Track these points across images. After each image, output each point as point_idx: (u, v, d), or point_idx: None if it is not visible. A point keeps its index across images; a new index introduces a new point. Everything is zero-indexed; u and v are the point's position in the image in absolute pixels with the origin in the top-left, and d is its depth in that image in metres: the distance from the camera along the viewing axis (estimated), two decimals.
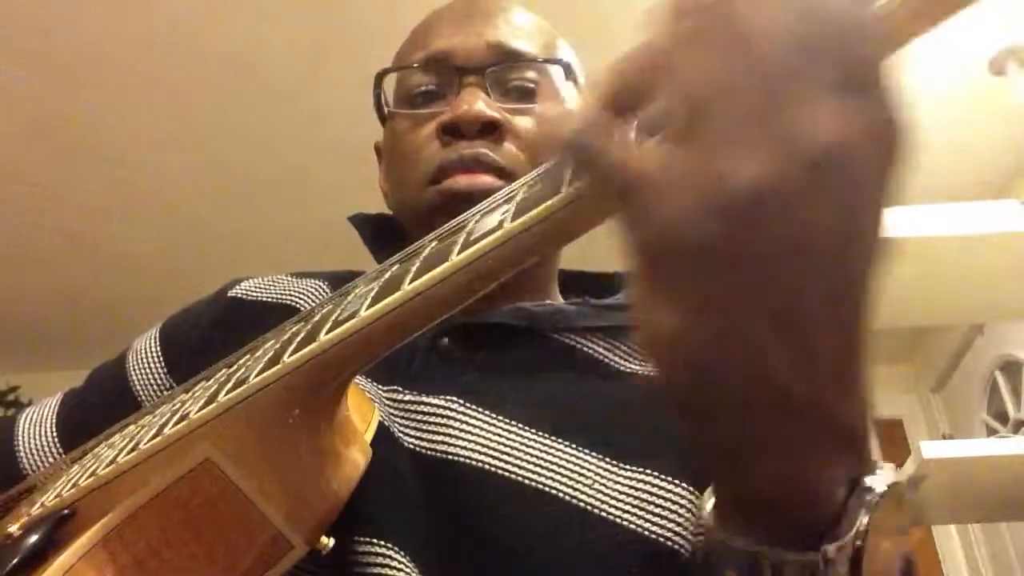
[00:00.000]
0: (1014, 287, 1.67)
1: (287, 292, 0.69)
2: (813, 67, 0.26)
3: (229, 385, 0.44)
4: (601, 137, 0.29)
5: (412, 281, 0.38)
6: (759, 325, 0.27)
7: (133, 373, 0.67)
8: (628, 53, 0.29)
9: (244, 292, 0.70)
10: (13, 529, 0.45)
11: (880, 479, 0.30)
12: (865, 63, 0.26)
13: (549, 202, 0.34)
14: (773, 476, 0.30)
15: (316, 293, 0.68)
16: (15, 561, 0.42)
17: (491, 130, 0.64)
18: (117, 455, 0.46)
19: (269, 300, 0.69)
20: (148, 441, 0.45)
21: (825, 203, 0.26)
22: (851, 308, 0.28)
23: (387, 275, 0.42)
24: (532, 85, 0.68)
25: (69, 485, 0.48)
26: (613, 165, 0.28)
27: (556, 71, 0.70)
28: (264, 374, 0.42)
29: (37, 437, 0.66)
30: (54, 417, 0.68)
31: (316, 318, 0.44)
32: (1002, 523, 2.74)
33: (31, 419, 0.68)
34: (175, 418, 0.45)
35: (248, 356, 0.49)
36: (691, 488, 0.54)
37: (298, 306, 0.67)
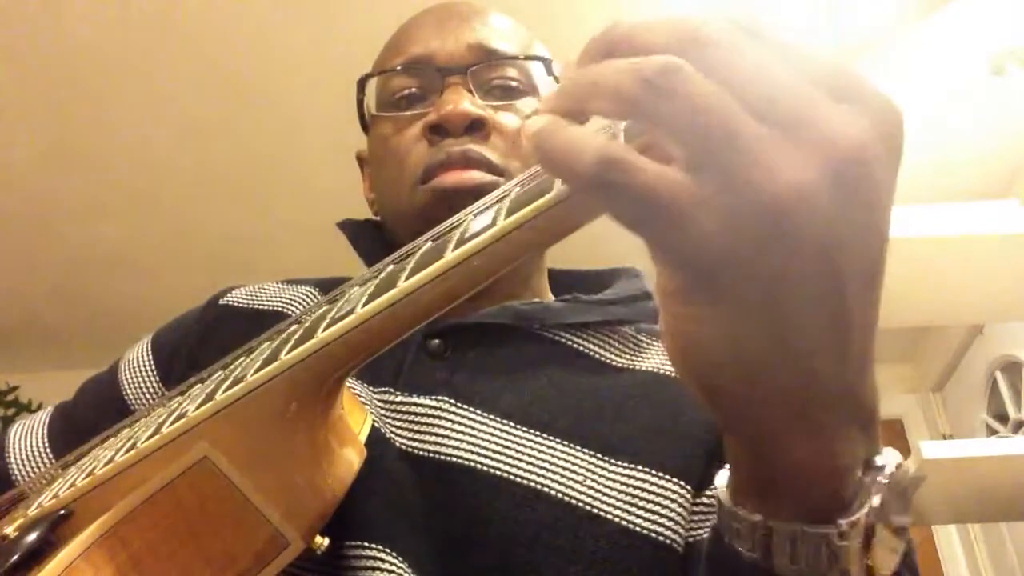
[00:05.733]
0: (1014, 287, 1.67)
1: (278, 299, 0.69)
2: (812, 87, 0.27)
3: (227, 383, 0.44)
4: (627, 158, 0.28)
5: (408, 278, 0.38)
6: (810, 325, 0.29)
7: (125, 383, 0.67)
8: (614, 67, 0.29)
9: (235, 300, 0.71)
10: (9, 531, 0.45)
11: (887, 459, 0.33)
12: (846, 76, 0.28)
13: (541, 200, 0.35)
14: (803, 459, 0.32)
15: (307, 299, 0.68)
16: (13, 560, 0.42)
17: (477, 128, 0.65)
18: (115, 455, 0.46)
19: (260, 307, 0.69)
20: (146, 440, 0.45)
21: (855, 201, 0.27)
22: (875, 295, 0.30)
23: (383, 274, 0.42)
24: (514, 82, 0.69)
25: (67, 486, 0.47)
26: (645, 186, 0.27)
27: (536, 67, 0.71)
28: (261, 371, 0.42)
29: (28, 447, 0.65)
30: (45, 428, 0.67)
31: (313, 317, 0.44)
32: (1002, 523, 2.74)
33: (22, 430, 0.68)
34: (173, 416, 0.45)
35: (244, 357, 0.49)
36: (682, 482, 0.54)
37: (289, 312, 0.67)
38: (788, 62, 0.28)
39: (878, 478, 0.32)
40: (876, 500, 0.31)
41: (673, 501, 0.53)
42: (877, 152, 0.27)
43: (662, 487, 0.54)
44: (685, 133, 0.27)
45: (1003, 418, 2.78)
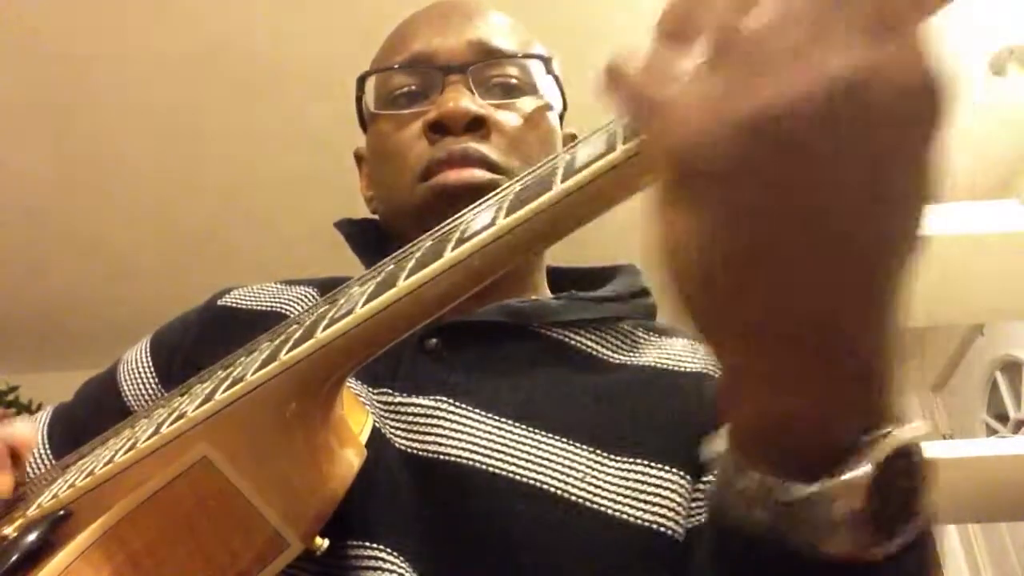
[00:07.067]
0: (1014, 287, 1.67)
1: (277, 299, 0.69)
2: (846, 7, 0.26)
3: (226, 384, 0.44)
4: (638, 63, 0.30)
5: (407, 278, 0.38)
6: (783, 239, 0.28)
7: (125, 384, 0.67)
8: None
9: (234, 300, 0.71)
10: (9, 531, 0.45)
11: (903, 432, 0.30)
12: (899, 9, 0.27)
13: (541, 199, 0.35)
14: (779, 404, 0.31)
15: (306, 300, 0.68)
16: (12, 561, 0.42)
17: (477, 126, 0.65)
18: (114, 455, 0.46)
19: (259, 308, 0.69)
20: (146, 440, 0.45)
21: (843, 130, 0.26)
22: (875, 243, 0.28)
23: (383, 274, 0.42)
24: (514, 81, 0.69)
25: (66, 486, 0.47)
26: (643, 82, 0.29)
27: (536, 66, 0.71)
28: (261, 372, 0.42)
29: None
30: (45, 428, 0.67)
31: (312, 318, 0.44)
32: (1002, 523, 2.74)
33: None
34: (172, 416, 0.45)
35: (244, 357, 0.49)
36: (681, 471, 0.54)
37: (288, 313, 0.67)
38: None
39: (879, 443, 0.30)
40: (867, 467, 0.30)
41: (673, 491, 0.53)
42: (881, 89, 0.26)
43: (661, 478, 0.54)
44: (707, 38, 0.28)
45: (1003, 418, 2.78)
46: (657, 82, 0.29)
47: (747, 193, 0.27)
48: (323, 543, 0.45)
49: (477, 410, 0.56)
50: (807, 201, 0.27)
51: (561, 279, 0.73)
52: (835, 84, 0.26)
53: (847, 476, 0.30)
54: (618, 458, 0.54)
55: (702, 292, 0.30)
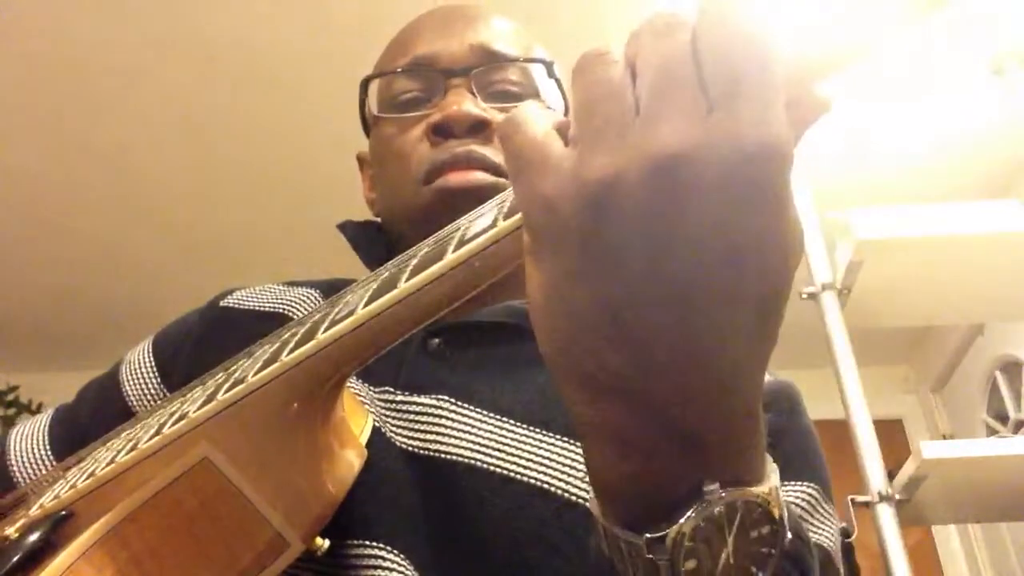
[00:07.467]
0: (1014, 287, 1.67)
1: (279, 300, 0.69)
2: (680, 86, 0.28)
3: (227, 385, 0.44)
4: (518, 120, 0.32)
5: (409, 279, 0.38)
6: (595, 307, 0.30)
7: (126, 384, 0.67)
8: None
9: (236, 301, 0.71)
10: (10, 531, 0.45)
11: (738, 491, 0.31)
12: (736, 81, 0.28)
13: None
14: (608, 460, 0.32)
15: (308, 301, 0.68)
16: (14, 561, 0.42)
17: (480, 129, 0.66)
18: (116, 456, 0.46)
19: (261, 309, 0.69)
20: (147, 441, 0.45)
21: (674, 200, 0.27)
22: (694, 316, 0.29)
23: (383, 276, 0.42)
24: (515, 86, 0.69)
25: (67, 487, 0.48)
26: (519, 144, 0.31)
27: (538, 70, 0.71)
28: (262, 373, 0.42)
29: (29, 450, 0.65)
30: (46, 429, 0.67)
31: (314, 318, 0.44)
32: (1002, 523, 2.74)
33: (22, 433, 0.68)
34: (174, 417, 0.45)
35: (245, 359, 0.49)
36: None
37: (291, 314, 0.67)
38: (681, 60, 0.28)
39: (703, 499, 0.31)
40: (687, 515, 0.31)
41: None
42: (704, 164, 0.27)
43: None
44: (576, 100, 0.30)
45: (1003, 418, 2.78)
46: (537, 145, 0.31)
47: (583, 255, 0.29)
48: (324, 543, 0.45)
49: (479, 409, 0.56)
50: (645, 266, 0.28)
51: None
52: (662, 157, 0.27)
53: (656, 533, 0.31)
54: None
55: (549, 341, 0.32)
